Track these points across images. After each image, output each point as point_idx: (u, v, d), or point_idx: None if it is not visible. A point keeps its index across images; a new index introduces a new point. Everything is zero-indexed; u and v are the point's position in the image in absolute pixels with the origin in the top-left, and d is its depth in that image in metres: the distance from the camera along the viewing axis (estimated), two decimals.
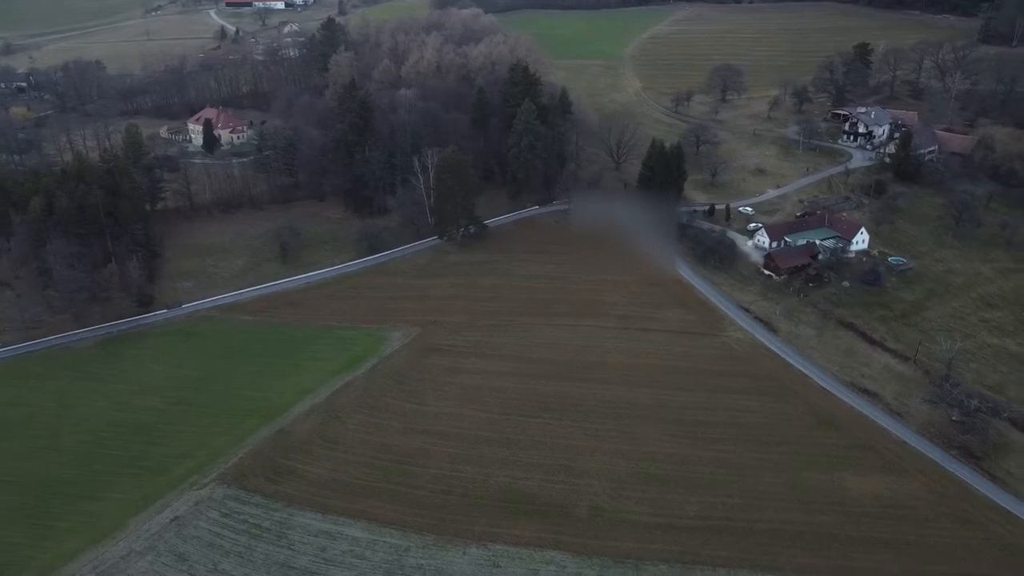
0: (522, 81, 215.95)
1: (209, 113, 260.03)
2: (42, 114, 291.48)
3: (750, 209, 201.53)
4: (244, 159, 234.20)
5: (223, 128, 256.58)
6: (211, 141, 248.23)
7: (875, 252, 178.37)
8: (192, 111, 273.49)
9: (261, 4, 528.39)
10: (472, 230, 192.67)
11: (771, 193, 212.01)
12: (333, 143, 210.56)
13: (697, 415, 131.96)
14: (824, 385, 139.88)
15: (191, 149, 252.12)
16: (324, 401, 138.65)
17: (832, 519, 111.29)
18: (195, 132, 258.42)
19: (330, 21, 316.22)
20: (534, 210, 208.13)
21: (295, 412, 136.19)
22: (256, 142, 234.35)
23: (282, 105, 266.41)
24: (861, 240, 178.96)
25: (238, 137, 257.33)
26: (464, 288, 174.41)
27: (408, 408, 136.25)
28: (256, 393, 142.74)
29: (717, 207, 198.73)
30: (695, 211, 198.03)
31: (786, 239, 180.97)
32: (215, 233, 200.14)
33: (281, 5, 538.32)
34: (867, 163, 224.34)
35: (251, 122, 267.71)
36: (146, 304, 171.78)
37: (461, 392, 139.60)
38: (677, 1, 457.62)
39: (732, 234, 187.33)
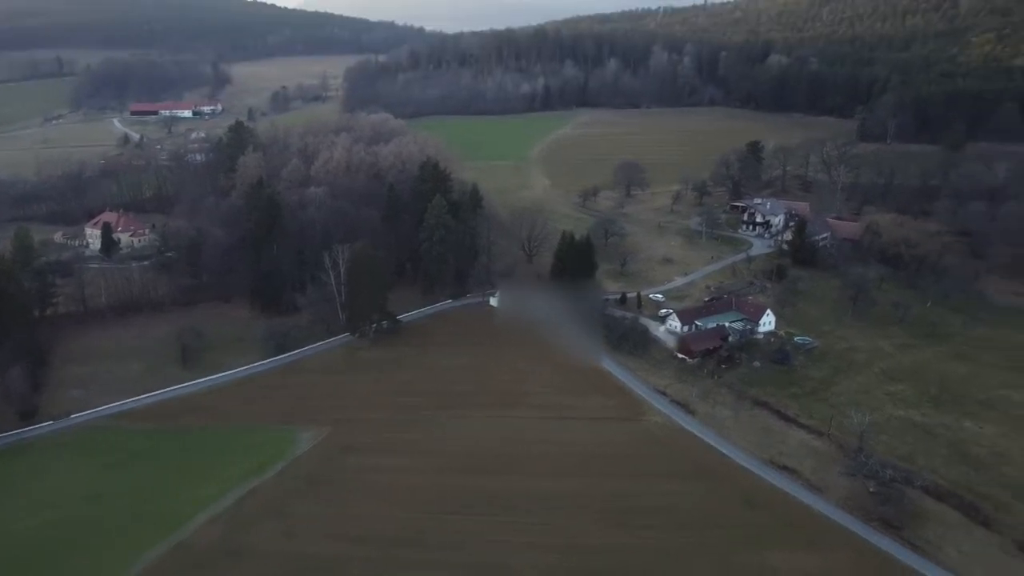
0: (432, 177, 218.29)
1: (109, 217, 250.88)
2: None
3: (660, 296, 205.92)
4: (145, 262, 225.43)
5: (123, 231, 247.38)
6: (109, 244, 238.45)
7: (782, 332, 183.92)
8: (91, 216, 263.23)
9: (167, 113, 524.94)
10: (385, 325, 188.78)
11: (679, 280, 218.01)
12: (240, 241, 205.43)
13: (624, 502, 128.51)
14: (745, 464, 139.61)
15: (88, 253, 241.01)
16: (228, 509, 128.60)
17: None
18: (93, 236, 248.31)
19: (238, 124, 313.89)
20: (447, 304, 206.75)
21: (196, 523, 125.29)
22: (158, 244, 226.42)
23: (186, 207, 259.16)
24: (768, 322, 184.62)
25: (139, 240, 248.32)
26: (378, 384, 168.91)
27: (320, 512, 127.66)
28: (153, 505, 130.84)
29: (628, 295, 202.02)
30: (607, 299, 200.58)
31: (697, 323, 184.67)
32: (110, 338, 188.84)
33: (188, 114, 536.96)
34: (767, 250, 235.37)
35: (153, 225, 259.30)
36: (29, 416, 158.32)
37: (377, 492, 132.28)
38: (579, 107, 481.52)
39: (645, 320, 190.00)
